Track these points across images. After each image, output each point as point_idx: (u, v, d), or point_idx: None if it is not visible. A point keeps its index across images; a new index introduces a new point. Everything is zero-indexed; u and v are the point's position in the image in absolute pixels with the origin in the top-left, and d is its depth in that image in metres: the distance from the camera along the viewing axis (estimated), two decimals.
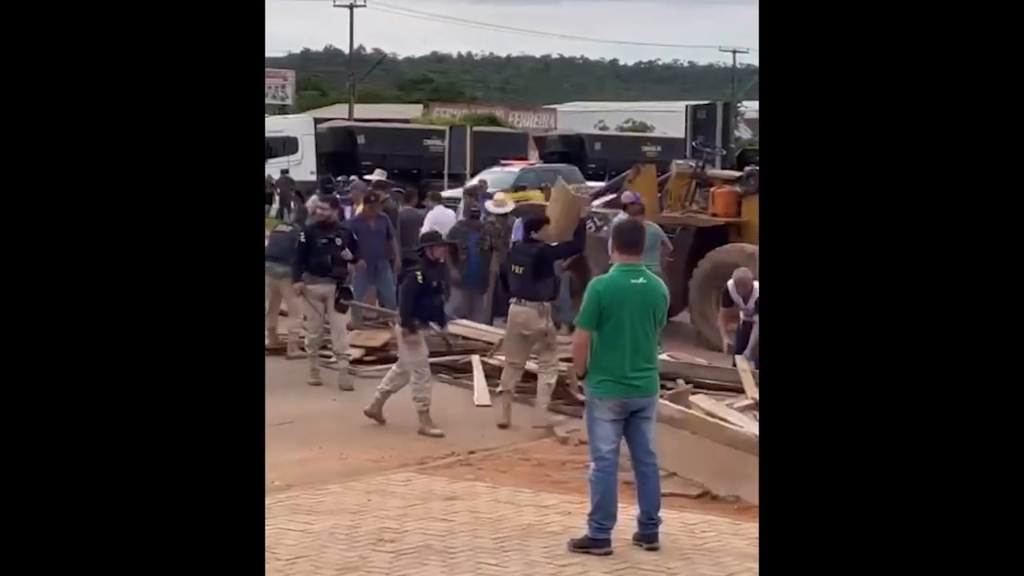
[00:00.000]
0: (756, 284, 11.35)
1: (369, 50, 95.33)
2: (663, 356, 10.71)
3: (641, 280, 6.80)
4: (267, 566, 6.23)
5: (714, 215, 15.51)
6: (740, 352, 11.58)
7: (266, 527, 6.82)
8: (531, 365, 10.51)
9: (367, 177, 21.59)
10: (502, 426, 10.02)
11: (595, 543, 6.56)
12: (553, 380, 10.27)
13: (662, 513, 6.79)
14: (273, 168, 35.44)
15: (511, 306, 10.46)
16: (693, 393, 9.73)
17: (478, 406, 10.83)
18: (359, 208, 15.79)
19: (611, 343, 6.65)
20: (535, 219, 11.27)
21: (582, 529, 6.65)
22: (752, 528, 7.18)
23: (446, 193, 21.88)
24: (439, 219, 15.80)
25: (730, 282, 11.76)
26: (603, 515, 6.59)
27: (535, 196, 20.55)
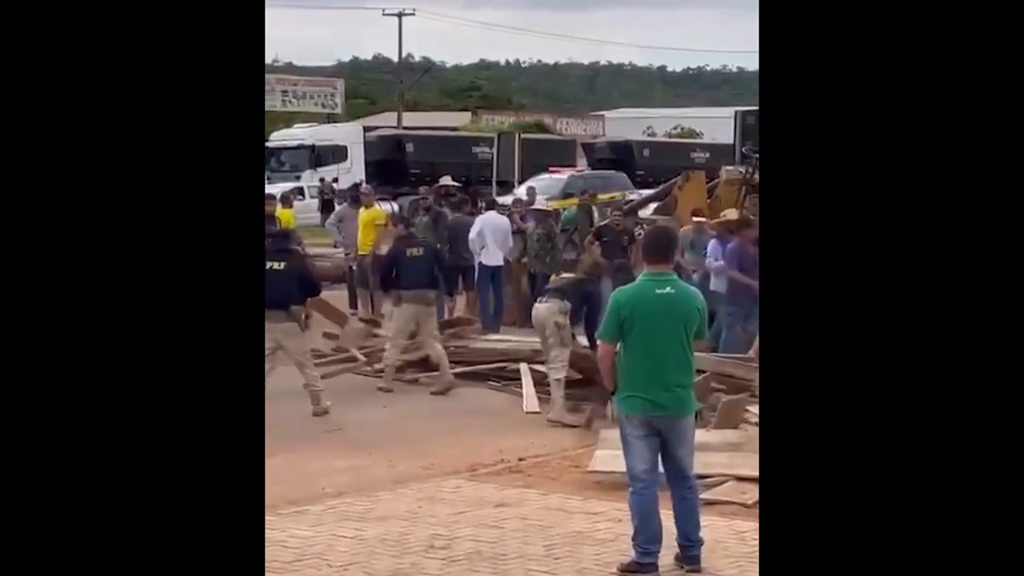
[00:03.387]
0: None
1: (418, 58, 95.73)
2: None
3: (668, 290, 6.27)
4: (319, 573, 6.29)
5: None
6: None
7: (317, 534, 6.89)
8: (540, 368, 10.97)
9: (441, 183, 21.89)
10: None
11: (641, 568, 6.27)
12: (562, 375, 10.54)
13: (713, 520, 6.73)
14: (320, 176, 35.66)
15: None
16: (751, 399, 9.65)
17: (528, 413, 10.83)
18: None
19: (635, 356, 6.24)
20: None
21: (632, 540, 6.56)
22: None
23: (501, 199, 21.94)
24: (491, 223, 15.83)
25: None
26: (646, 538, 6.27)
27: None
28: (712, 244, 12.96)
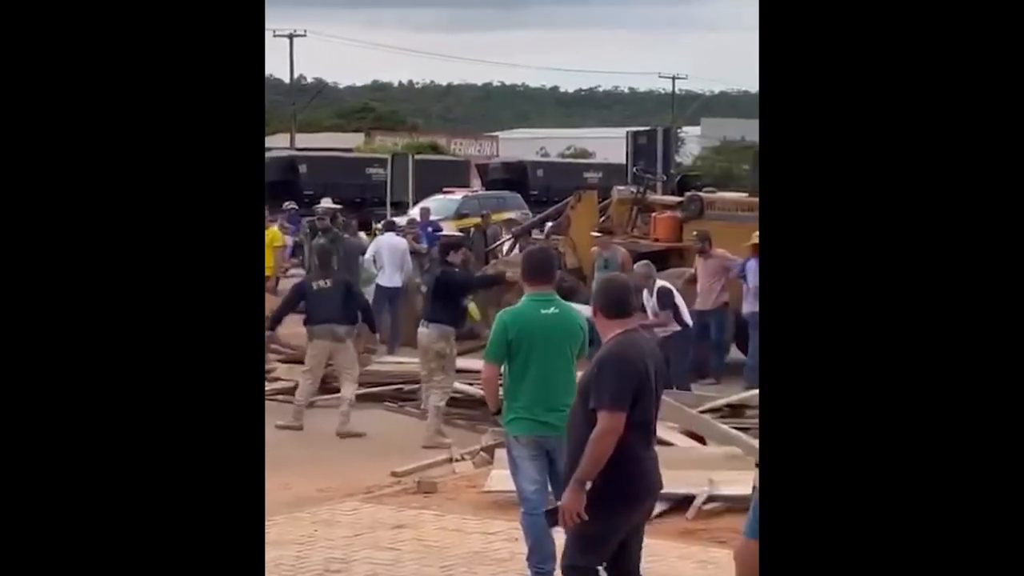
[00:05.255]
0: (658, 280, 12.06)
1: (310, 79, 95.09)
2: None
3: (553, 310, 6.33)
4: None
5: (656, 240, 15.63)
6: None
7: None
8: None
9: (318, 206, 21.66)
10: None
11: None
12: (442, 403, 10.51)
13: None
14: None
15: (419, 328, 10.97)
16: None
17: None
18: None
19: (521, 377, 6.22)
20: (449, 243, 11.66)
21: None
22: (698, 552, 7.23)
23: (399, 220, 21.86)
24: (387, 245, 15.82)
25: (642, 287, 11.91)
26: (540, 557, 6.27)
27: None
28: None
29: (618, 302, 5.38)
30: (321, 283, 11.35)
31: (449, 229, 22.65)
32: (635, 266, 12.39)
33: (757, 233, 13.64)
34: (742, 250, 13.91)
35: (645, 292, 11.84)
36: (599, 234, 14.69)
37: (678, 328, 11.88)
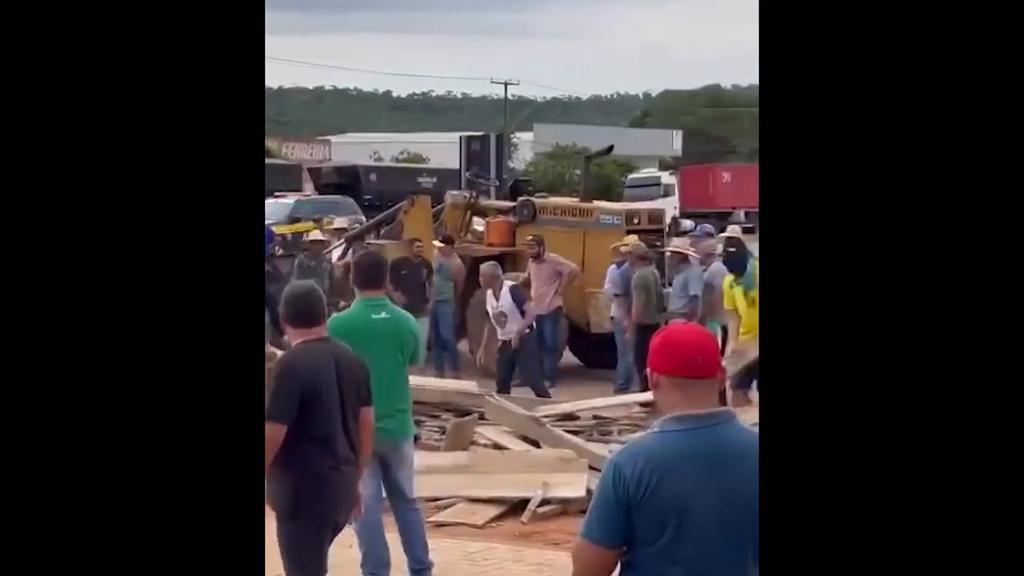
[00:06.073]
0: (505, 281, 11.98)
1: None
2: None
3: (384, 315, 6.33)
4: None
5: (489, 245, 15.71)
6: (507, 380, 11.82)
7: None
8: None
9: None
10: None
11: None
12: None
13: (444, 543, 6.78)
14: None
15: None
16: (479, 423, 9.79)
17: None
18: None
19: None
20: None
21: None
22: (533, 555, 7.27)
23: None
24: None
25: (486, 289, 11.92)
26: (374, 564, 6.26)
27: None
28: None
29: (301, 311, 5.29)
30: None
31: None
32: (482, 267, 12.40)
33: (628, 239, 13.90)
34: (606, 256, 14.06)
35: (490, 292, 11.83)
36: (442, 243, 14.74)
37: (528, 330, 11.90)
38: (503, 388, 11.79)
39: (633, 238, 13.75)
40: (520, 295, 11.84)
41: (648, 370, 3.30)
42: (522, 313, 11.77)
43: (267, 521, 3.79)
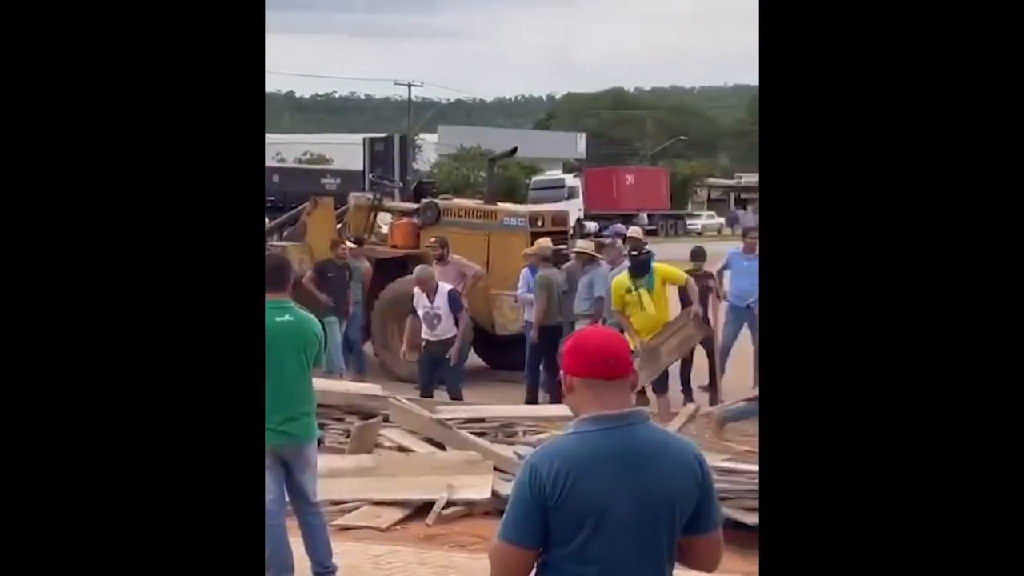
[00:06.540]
0: (440, 283, 11.79)
1: None
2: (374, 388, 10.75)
3: (288, 317, 6.27)
4: None
5: (393, 246, 15.66)
6: (428, 384, 11.75)
7: None
8: None
9: None
10: None
11: None
12: None
13: (348, 546, 6.74)
14: None
15: None
16: (384, 425, 9.74)
17: None
18: None
19: None
20: None
21: None
22: (438, 557, 7.25)
23: None
24: None
25: (415, 288, 11.83)
26: (277, 568, 6.17)
27: None
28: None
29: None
30: None
31: None
32: (417, 269, 12.25)
33: (542, 241, 13.87)
34: (510, 257, 14.06)
35: (422, 293, 11.69)
36: (352, 244, 14.64)
37: (455, 332, 11.81)
38: (426, 391, 11.72)
39: (547, 240, 13.80)
40: (458, 302, 11.78)
41: (561, 373, 3.32)
42: (457, 320, 11.69)
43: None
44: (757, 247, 13.73)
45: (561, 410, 10.21)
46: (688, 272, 12.62)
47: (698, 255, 13.46)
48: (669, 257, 15.44)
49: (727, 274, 13.80)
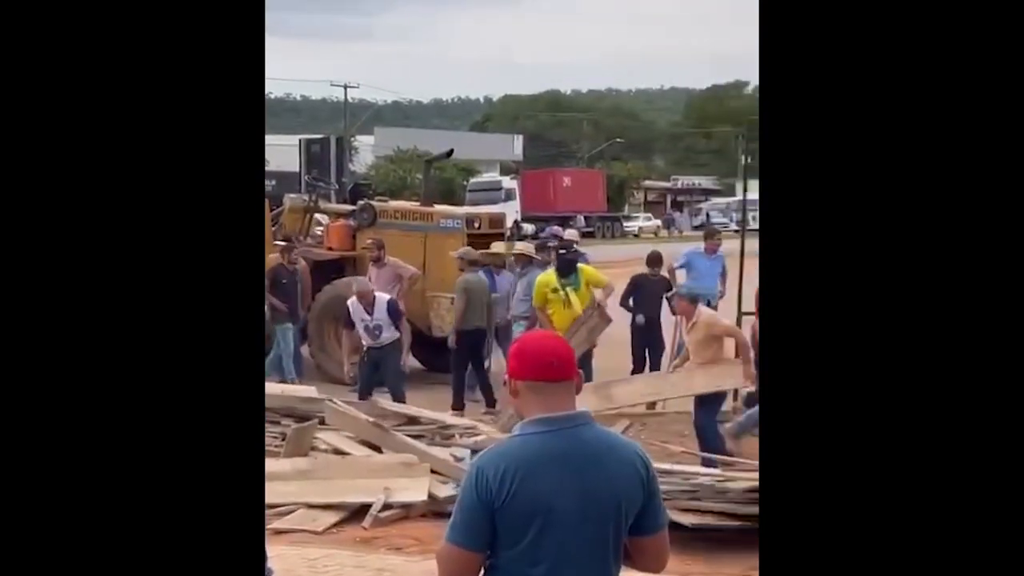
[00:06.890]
0: (377, 294, 11.69)
1: None
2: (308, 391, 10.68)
3: None
4: None
5: (330, 248, 15.59)
6: (366, 389, 11.68)
7: None
8: None
9: None
10: None
11: None
12: None
13: (284, 549, 6.70)
14: None
15: None
16: (320, 428, 9.69)
17: None
18: None
19: None
20: None
21: None
22: (374, 560, 7.23)
23: None
24: None
25: (351, 299, 11.73)
26: None
27: None
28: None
29: None
30: None
31: None
32: (357, 283, 12.10)
33: (494, 245, 13.83)
34: (446, 259, 14.01)
35: (360, 305, 11.58)
36: (283, 243, 14.52)
37: (398, 335, 11.73)
38: (365, 393, 11.65)
39: (500, 245, 13.80)
40: (397, 311, 11.72)
41: (506, 376, 3.34)
42: (397, 327, 11.62)
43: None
44: (720, 248, 13.85)
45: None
46: (645, 276, 12.80)
47: (655, 260, 13.43)
48: (606, 259, 15.51)
49: (682, 272, 13.79)
